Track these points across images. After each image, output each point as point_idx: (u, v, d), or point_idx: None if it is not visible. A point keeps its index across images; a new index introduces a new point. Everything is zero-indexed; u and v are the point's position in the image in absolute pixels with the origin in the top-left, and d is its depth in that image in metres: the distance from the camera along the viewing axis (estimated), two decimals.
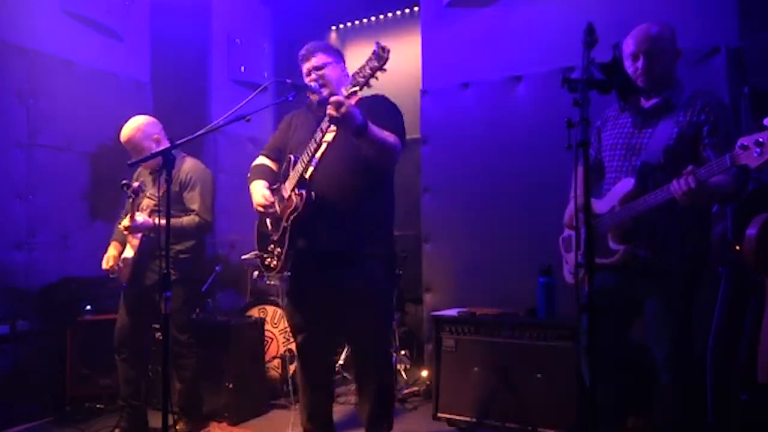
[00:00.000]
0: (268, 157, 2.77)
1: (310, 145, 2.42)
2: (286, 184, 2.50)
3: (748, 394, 2.30)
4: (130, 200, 2.97)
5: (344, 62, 2.70)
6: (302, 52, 2.64)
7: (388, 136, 2.40)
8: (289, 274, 2.62)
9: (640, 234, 2.23)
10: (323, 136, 2.40)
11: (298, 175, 2.44)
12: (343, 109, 2.19)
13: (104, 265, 3.22)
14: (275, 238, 2.52)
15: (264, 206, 2.50)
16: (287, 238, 2.45)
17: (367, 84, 2.20)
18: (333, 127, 2.38)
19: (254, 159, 2.83)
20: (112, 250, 3.25)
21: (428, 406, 3.56)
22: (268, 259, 2.55)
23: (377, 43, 2.17)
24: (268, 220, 2.60)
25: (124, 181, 2.97)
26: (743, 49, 3.16)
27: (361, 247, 2.48)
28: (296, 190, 2.44)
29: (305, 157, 2.43)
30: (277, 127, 2.86)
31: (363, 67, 2.20)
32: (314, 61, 2.60)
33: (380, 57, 2.14)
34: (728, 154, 1.85)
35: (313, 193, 2.42)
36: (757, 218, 2.14)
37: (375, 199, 2.53)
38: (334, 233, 2.45)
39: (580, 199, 1.65)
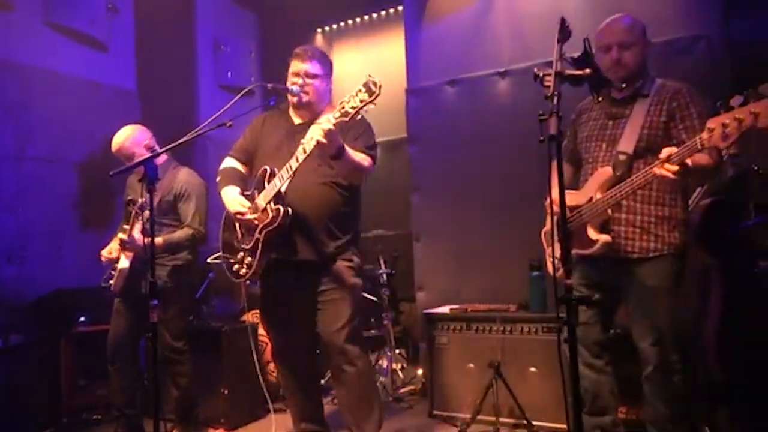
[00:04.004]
0: (236, 159, 2.77)
1: (291, 162, 2.43)
2: (262, 195, 2.51)
3: (707, 389, 2.29)
4: (133, 214, 2.98)
5: (331, 76, 2.74)
6: (299, 50, 2.66)
7: (362, 160, 2.48)
8: (259, 281, 2.68)
9: (619, 223, 2.25)
10: (306, 157, 2.40)
11: (276, 189, 2.46)
12: (332, 138, 2.24)
13: (104, 252, 3.21)
14: (246, 246, 2.54)
15: (242, 214, 2.51)
16: (259, 249, 2.48)
17: (354, 117, 2.23)
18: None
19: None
20: (115, 244, 3.23)
21: (424, 404, 3.58)
22: (236, 266, 2.57)
23: (369, 77, 2.19)
24: (238, 227, 2.60)
25: (129, 198, 2.99)
26: (726, 37, 3.18)
27: (330, 255, 2.55)
28: (272, 205, 2.46)
29: (285, 173, 2.45)
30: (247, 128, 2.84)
31: (352, 97, 2.22)
32: (309, 66, 2.62)
33: (371, 91, 2.17)
34: (698, 136, 1.88)
35: (289, 209, 2.45)
36: (700, 205, 2.16)
37: (344, 210, 2.61)
38: (304, 245, 2.52)
39: (554, 192, 1.66)
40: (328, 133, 2.22)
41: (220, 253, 2.72)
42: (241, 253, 2.55)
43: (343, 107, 2.23)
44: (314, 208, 2.51)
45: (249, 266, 2.51)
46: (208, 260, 4.12)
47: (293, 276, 2.56)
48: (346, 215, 2.63)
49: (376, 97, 2.17)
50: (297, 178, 2.47)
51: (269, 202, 2.46)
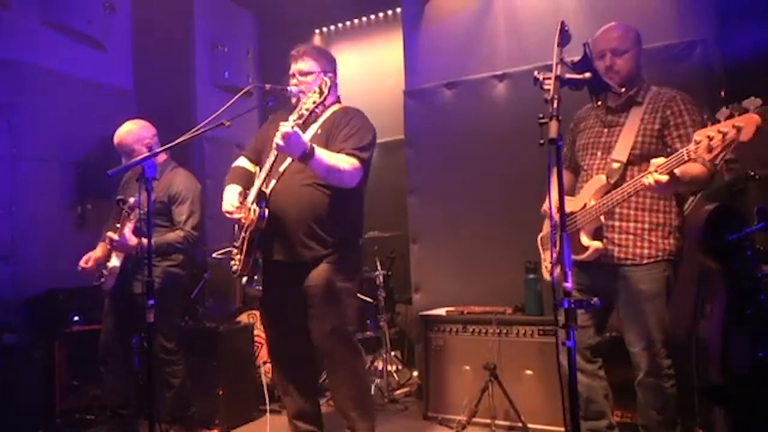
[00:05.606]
0: (247, 158, 2.80)
1: (267, 159, 2.46)
2: (249, 195, 2.54)
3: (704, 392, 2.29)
4: (125, 214, 2.96)
5: (333, 71, 2.70)
6: (293, 51, 2.67)
7: (341, 162, 2.42)
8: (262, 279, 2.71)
9: (613, 230, 2.27)
10: (276, 157, 2.45)
11: (257, 189, 2.49)
12: (291, 140, 2.24)
13: (82, 263, 3.19)
14: (236, 243, 2.57)
15: (229, 213, 2.54)
16: (244, 247, 2.51)
17: (309, 117, 2.33)
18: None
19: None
20: (97, 252, 3.23)
21: (419, 406, 3.58)
22: (232, 261, 2.61)
23: (322, 80, 2.33)
24: (236, 225, 2.63)
25: (119, 197, 2.98)
26: (721, 43, 3.20)
27: (312, 257, 2.52)
28: (254, 205, 2.48)
29: (262, 173, 2.48)
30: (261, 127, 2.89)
31: (308, 98, 2.32)
32: (301, 65, 2.62)
33: (321, 92, 2.29)
34: (684, 148, 1.90)
35: (266, 210, 2.46)
36: (702, 210, 2.17)
37: (330, 212, 2.53)
38: (284, 246, 2.53)
39: (552, 197, 1.66)
40: (285, 136, 2.23)
41: (224, 250, 2.78)
42: (235, 249, 2.59)
43: (300, 108, 2.32)
44: (296, 210, 2.50)
45: (238, 262, 2.55)
46: (213, 255, 4.11)
47: (287, 275, 2.57)
48: (332, 217, 2.53)
49: (324, 97, 2.31)
50: (284, 179, 2.50)
51: (252, 202, 2.49)
